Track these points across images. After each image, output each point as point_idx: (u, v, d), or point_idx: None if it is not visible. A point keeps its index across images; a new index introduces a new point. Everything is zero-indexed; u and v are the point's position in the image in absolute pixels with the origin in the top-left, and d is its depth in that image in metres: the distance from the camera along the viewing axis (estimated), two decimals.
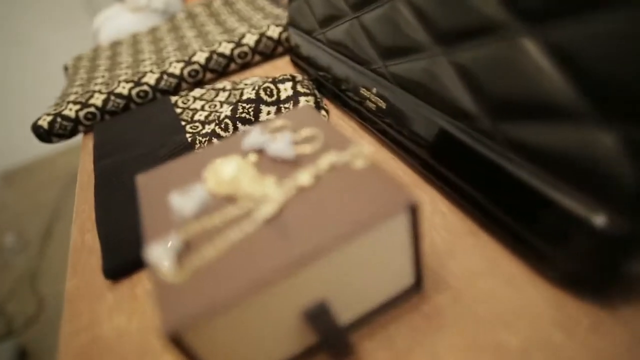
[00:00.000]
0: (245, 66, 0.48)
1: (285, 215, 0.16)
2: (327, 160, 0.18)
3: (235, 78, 0.47)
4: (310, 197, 0.17)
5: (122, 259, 0.25)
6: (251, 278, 0.14)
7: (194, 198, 0.18)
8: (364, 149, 0.18)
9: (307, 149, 0.19)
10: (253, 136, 0.20)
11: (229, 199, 0.18)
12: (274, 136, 0.20)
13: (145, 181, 0.20)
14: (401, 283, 0.19)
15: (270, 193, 0.17)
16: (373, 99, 0.29)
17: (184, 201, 0.18)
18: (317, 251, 0.14)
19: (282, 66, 0.47)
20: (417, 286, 0.20)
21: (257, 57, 0.47)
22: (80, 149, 0.41)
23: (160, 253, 0.15)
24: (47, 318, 1.22)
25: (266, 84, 0.35)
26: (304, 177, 0.17)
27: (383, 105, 0.28)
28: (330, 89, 0.36)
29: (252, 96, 0.34)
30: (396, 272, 0.18)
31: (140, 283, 0.24)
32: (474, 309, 0.19)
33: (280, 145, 0.19)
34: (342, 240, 0.15)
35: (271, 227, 0.16)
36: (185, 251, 0.15)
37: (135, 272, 0.25)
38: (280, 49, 0.48)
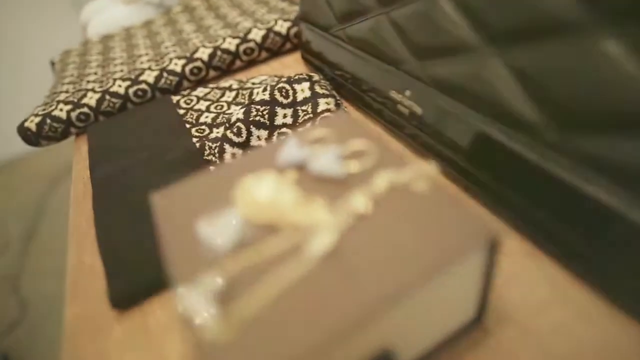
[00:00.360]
0: (250, 63, 0.45)
1: (344, 249, 0.13)
2: (384, 180, 0.15)
3: (241, 76, 0.44)
4: (371, 226, 0.14)
5: (131, 284, 0.22)
6: (317, 334, 0.11)
7: (227, 227, 0.15)
8: (428, 169, 0.15)
9: (355, 166, 0.17)
10: (290, 149, 0.17)
11: (269, 228, 0.15)
12: (315, 149, 0.18)
13: (162, 202, 0.17)
14: (463, 317, 0.17)
15: (322, 221, 0.14)
16: (406, 104, 0.26)
17: (216, 231, 0.15)
18: (394, 297, 0.12)
19: (291, 64, 0.44)
20: (478, 320, 0.17)
21: (263, 54, 0.44)
22: (71, 151, 0.38)
23: (196, 301, 0.12)
24: (29, 322, 1.17)
25: (281, 84, 0.32)
26: (360, 200, 0.15)
27: (418, 110, 0.25)
28: (349, 89, 0.33)
29: (266, 97, 0.31)
30: (460, 306, 0.16)
31: (152, 313, 0.21)
32: (545, 346, 0.16)
33: (326, 160, 0.16)
34: (420, 283, 0.12)
35: (329, 265, 0.13)
36: (226, 297, 0.13)
37: (147, 300, 0.22)
38: (288, 45, 0.45)
